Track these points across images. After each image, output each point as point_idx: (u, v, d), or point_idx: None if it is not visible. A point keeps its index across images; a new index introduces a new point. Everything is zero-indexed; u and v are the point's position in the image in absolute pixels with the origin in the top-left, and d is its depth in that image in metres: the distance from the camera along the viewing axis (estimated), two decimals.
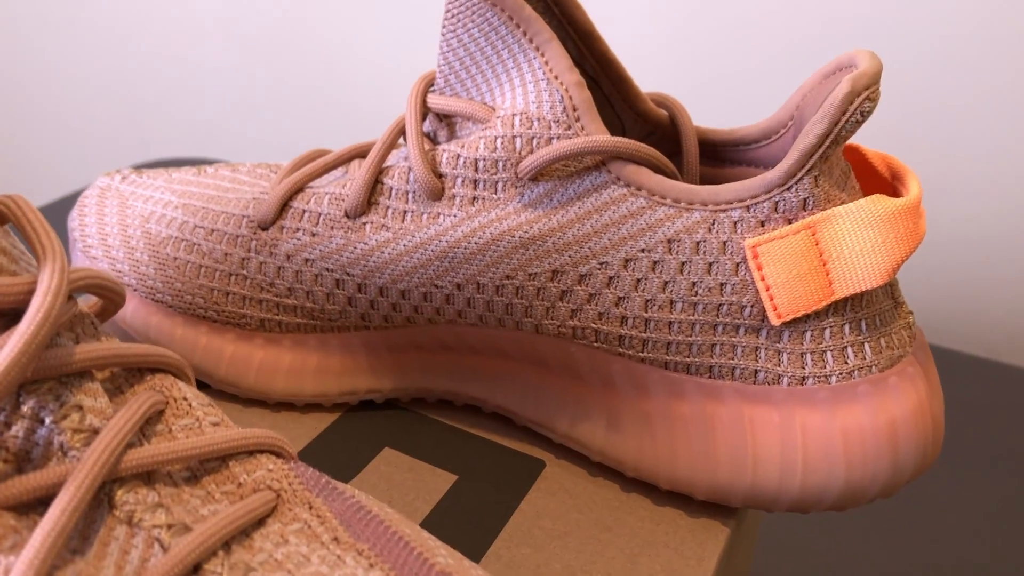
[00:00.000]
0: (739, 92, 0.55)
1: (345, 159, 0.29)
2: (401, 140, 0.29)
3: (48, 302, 0.15)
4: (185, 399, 0.18)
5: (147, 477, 0.16)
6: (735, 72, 0.55)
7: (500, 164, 0.25)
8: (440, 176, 0.26)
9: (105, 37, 0.82)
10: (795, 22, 0.53)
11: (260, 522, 0.17)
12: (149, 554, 0.15)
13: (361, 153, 0.29)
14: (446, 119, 0.27)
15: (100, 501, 0.16)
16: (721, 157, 0.29)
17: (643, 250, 0.25)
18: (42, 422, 0.16)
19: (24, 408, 0.16)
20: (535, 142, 0.25)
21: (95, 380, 0.17)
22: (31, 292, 0.16)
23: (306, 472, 0.19)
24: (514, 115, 0.25)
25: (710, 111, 0.55)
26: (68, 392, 0.16)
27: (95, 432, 0.16)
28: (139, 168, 0.34)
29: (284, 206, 0.28)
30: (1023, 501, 0.41)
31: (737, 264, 0.24)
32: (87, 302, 0.21)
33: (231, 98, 0.79)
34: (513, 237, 0.25)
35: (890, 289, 0.26)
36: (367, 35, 0.70)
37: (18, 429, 0.16)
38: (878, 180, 0.27)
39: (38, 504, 0.15)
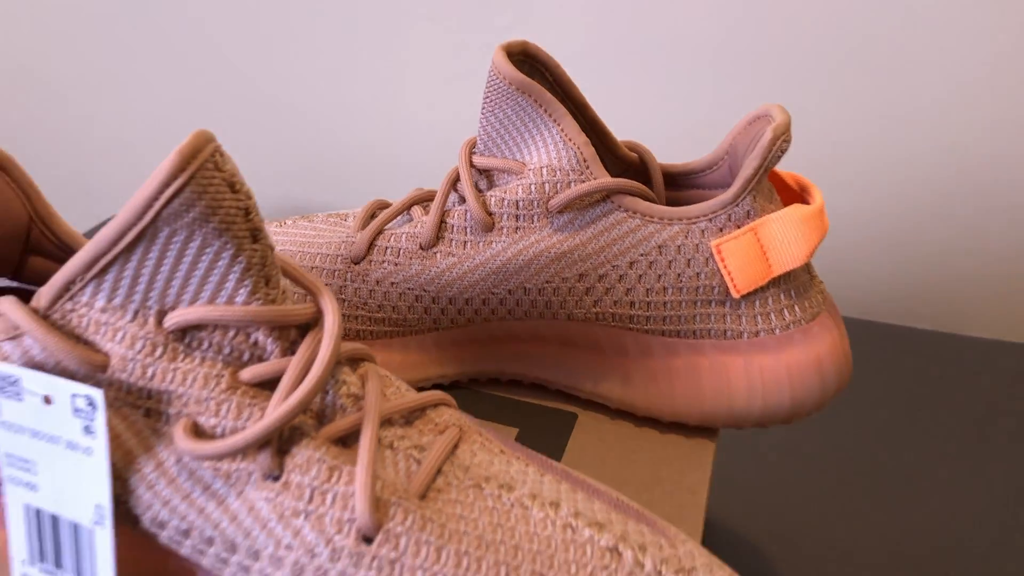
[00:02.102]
0: (684, 135, 0.68)
1: (407, 206, 0.39)
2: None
3: (337, 320, 0.25)
4: (387, 376, 0.28)
5: (389, 421, 0.26)
6: (679, 120, 0.67)
7: (534, 203, 0.36)
8: (490, 214, 0.36)
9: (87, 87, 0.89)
10: (714, 82, 0.65)
11: (456, 445, 0.27)
12: (410, 464, 0.25)
13: (417, 201, 0.39)
14: (486, 172, 0.38)
15: None
16: (677, 184, 0.41)
17: (641, 255, 0.35)
18: (327, 393, 0.25)
19: None
20: (559, 186, 0.35)
21: (344, 365, 0.26)
22: (316, 312, 0.25)
23: (467, 415, 0.29)
24: (542, 167, 0.36)
25: (661, 150, 0.67)
26: (337, 374, 0.26)
27: (357, 397, 0.26)
28: None
29: (371, 245, 0.38)
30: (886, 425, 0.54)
31: (707, 258, 0.35)
32: None
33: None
34: (549, 253, 0.36)
35: (807, 267, 0.37)
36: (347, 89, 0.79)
37: (316, 399, 0.25)
38: (791, 192, 0.38)
39: (338, 441, 0.25)
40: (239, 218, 0.23)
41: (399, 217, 0.39)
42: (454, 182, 0.38)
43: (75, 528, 0.24)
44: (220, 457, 0.23)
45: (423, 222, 0.37)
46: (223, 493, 0.24)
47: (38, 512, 0.25)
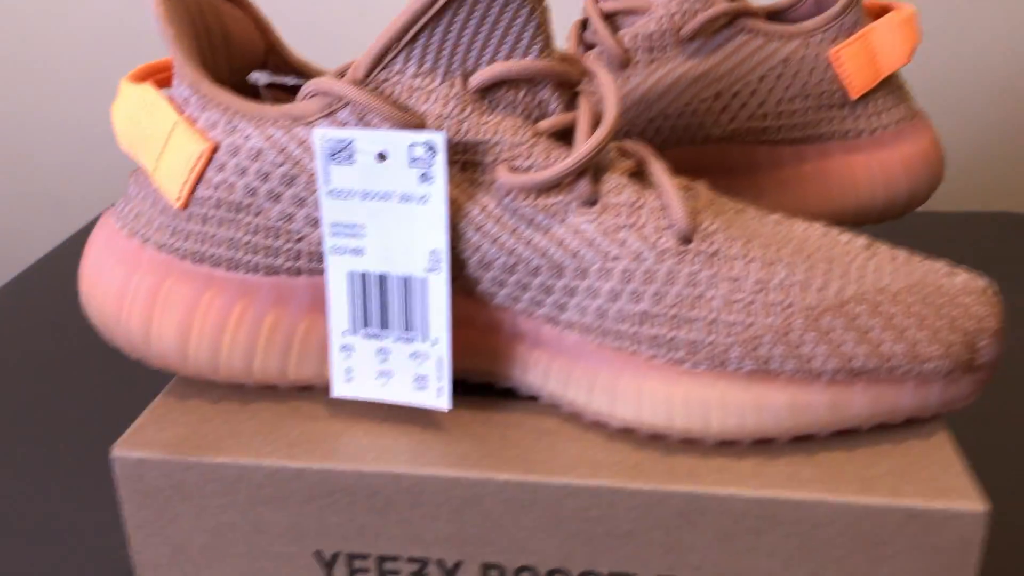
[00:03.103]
0: None
1: None
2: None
3: (609, 74, 0.28)
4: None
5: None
6: None
7: (666, 34, 0.39)
8: (625, 51, 0.40)
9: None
10: None
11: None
12: (684, 192, 0.28)
13: None
14: (609, 17, 0.41)
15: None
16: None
17: (770, 69, 0.39)
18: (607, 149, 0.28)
19: None
20: (686, 15, 0.39)
21: None
22: (585, 73, 0.28)
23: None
24: (668, 1, 0.39)
25: None
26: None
27: (621, 150, 0.29)
28: None
29: None
30: None
31: (826, 66, 0.39)
32: None
33: None
34: (685, 78, 0.39)
35: (899, 74, 0.42)
36: None
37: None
38: (879, 15, 0.43)
39: (632, 176, 0.28)
40: None
41: None
42: (580, 31, 0.41)
43: (405, 282, 0.26)
44: (544, 188, 0.26)
45: None
46: (547, 224, 0.26)
47: (363, 276, 0.27)
